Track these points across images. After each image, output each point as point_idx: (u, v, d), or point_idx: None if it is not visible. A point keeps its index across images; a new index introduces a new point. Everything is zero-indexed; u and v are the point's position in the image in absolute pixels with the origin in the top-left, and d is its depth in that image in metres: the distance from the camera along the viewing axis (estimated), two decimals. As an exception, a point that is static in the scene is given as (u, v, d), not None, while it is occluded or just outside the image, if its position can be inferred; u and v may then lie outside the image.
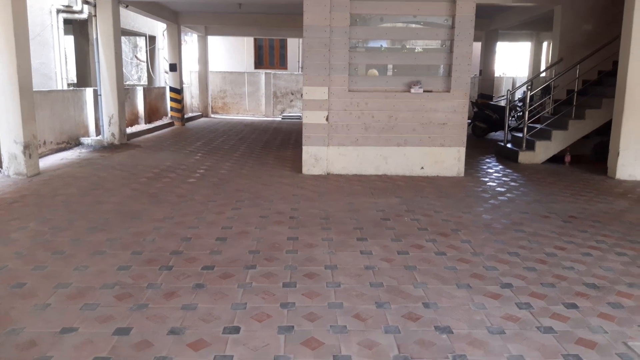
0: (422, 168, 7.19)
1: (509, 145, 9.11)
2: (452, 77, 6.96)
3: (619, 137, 7.04)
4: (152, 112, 13.56)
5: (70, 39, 11.99)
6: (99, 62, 9.42)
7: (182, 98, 14.05)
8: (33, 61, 6.79)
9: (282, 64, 19.42)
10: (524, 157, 8.31)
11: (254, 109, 18.48)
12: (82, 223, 4.71)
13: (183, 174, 7.12)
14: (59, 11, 10.25)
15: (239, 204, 5.52)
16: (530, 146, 8.34)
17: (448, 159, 7.17)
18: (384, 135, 7.12)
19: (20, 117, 6.49)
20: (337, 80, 6.98)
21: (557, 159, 8.36)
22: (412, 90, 7.00)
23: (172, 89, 13.89)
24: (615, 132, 7.14)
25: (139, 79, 19.52)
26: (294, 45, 19.03)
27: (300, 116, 17.56)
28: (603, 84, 8.52)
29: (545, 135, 8.33)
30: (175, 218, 4.95)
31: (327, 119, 7.06)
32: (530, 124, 8.59)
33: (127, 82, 16.58)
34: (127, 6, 9.93)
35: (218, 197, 5.84)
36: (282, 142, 11.08)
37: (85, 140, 9.47)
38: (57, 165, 7.56)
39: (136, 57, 19.04)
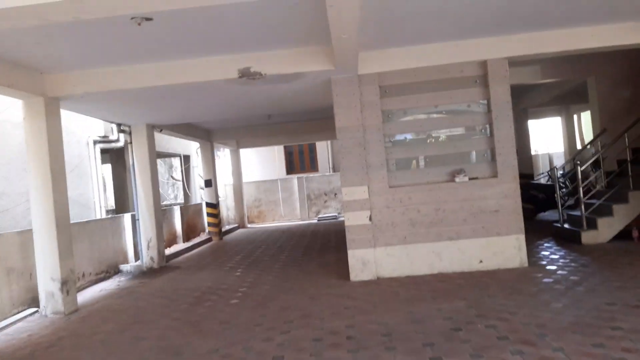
0: (481, 262, 6.58)
1: (566, 226, 8.45)
2: (497, 161, 6.58)
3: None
4: (190, 230, 13.51)
5: (107, 167, 12.37)
6: (135, 187, 9.51)
7: (219, 212, 14.04)
8: (71, 192, 6.82)
9: (313, 167, 19.61)
10: (588, 237, 7.61)
11: (289, 213, 18.37)
12: (120, 367, 4.26)
13: (225, 295, 6.69)
14: (95, 142, 10.63)
15: (288, 326, 4.99)
16: (592, 224, 7.67)
17: (507, 249, 6.56)
18: (434, 230, 6.64)
19: (57, 253, 6.35)
20: (376, 177, 6.70)
21: (622, 235, 7.62)
22: (457, 180, 6.62)
23: (208, 204, 13.95)
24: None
25: (175, 197, 19.95)
26: (322, 148, 19.32)
27: (335, 216, 17.28)
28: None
29: (605, 211, 7.68)
30: (221, 350, 4.44)
31: (370, 219, 6.67)
32: (585, 201, 7.98)
33: (164, 202, 16.88)
34: (161, 130, 10.24)
35: (264, 319, 5.33)
36: (322, 245, 10.66)
37: (124, 267, 9.28)
38: (96, 299, 7.27)
39: (172, 177, 19.60)
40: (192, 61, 6.39)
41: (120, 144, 11.01)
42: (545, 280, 5.88)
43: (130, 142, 9.54)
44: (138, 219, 9.53)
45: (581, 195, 7.76)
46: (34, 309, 6.57)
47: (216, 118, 10.63)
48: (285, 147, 19.45)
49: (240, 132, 14.32)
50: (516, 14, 5.69)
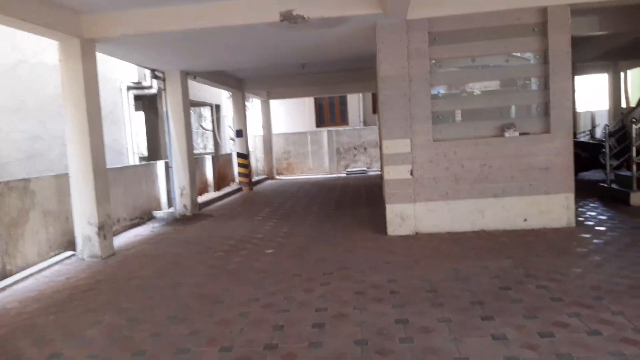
0: (526, 220, 6.32)
1: (614, 186, 8.05)
2: (551, 116, 6.19)
3: None
4: (221, 179, 13.51)
5: (140, 114, 12.31)
6: (169, 134, 9.41)
7: (249, 163, 13.95)
8: (105, 138, 6.73)
9: (344, 120, 19.24)
10: (637, 198, 7.23)
11: (318, 167, 18.21)
12: (161, 312, 4.24)
13: (260, 244, 6.64)
14: (129, 88, 10.52)
15: (327, 278, 4.89)
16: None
17: (555, 208, 6.27)
18: (478, 186, 6.37)
19: (94, 197, 6.34)
20: (420, 130, 6.39)
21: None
22: (507, 134, 6.27)
23: (239, 155, 13.85)
24: None
25: (204, 147, 19.95)
26: (354, 101, 18.88)
27: (364, 170, 17.04)
28: None
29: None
30: (262, 299, 4.38)
31: (411, 173, 6.43)
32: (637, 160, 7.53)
33: (194, 152, 16.90)
34: (195, 78, 10.02)
35: (302, 270, 5.25)
36: (353, 200, 10.50)
37: (157, 213, 9.33)
38: (131, 244, 7.32)
39: (201, 126, 19.54)
40: (232, 2, 6.07)
41: (154, 90, 10.90)
42: (596, 241, 5.61)
43: (164, 89, 9.37)
44: (171, 167, 9.49)
45: (634, 154, 7.31)
46: (71, 252, 6.64)
47: (251, 66, 10.30)
48: (315, 99, 19.08)
49: (273, 82, 13.98)
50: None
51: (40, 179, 6.42)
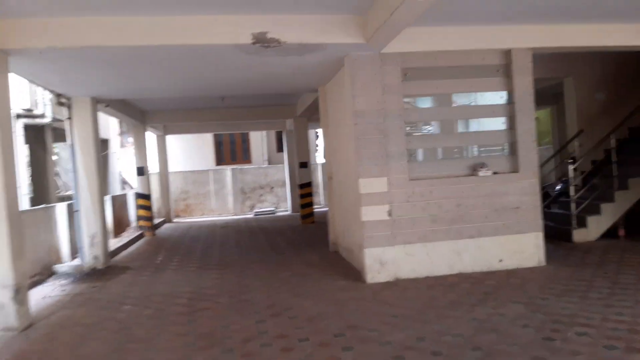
0: (501, 261, 6.24)
1: (551, 224, 8.39)
2: (518, 155, 6.28)
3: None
4: (118, 224, 11.78)
5: (23, 148, 10.30)
6: (75, 171, 7.86)
7: (151, 205, 12.44)
8: None
9: (245, 157, 18.46)
10: (579, 235, 7.66)
11: (220, 207, 17.04)
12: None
13: (221, 302, 5.62)
14: (19, 116, 8.73)
15: (344, 341, 4.16)
16: (582, 223, 7.74)
17: (527, 247, 6.30)
18: (455, 227, 6.16)
19: (9, 252, 4.85)
20: (396, 168, 6.06)
21: (608, 233, 7.78)
22: (481, 174, 6.21)
23: (139, 196, 12.28)
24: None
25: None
26: (256, 138, 18.24)
27: (273, 210, 16.32)
28: (624, 152, 8.27)
29: (593, 210, 7.77)
30: (288, 377, 3.51)
31: (390, 214, 6.02)
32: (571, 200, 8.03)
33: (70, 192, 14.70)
34: (106, 105, 8.61)
35: (303, 332, 4.43)
36: (287, 243, 9.77)
37: (60, 268, 7.64)
38: (46, 309, 5.75)
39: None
40: (195, 17, 5.24)
41: (46, 119, 9.22)
42: (578, 279, 5.65)
43: (70, 118, 7.86)
44: (77, 210, 7.90)
45: (572, 193, 7.79)
46: (-35, 328, 4.96)
47: (173, 95, 9.19)
48: (215, 136, 18.04)
49: (173, 116, 12.79)
50: (543, 3, 5.39)
51: None
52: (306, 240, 9.91)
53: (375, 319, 4.69)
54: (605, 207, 7.69)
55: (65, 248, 8.10)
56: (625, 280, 5.50)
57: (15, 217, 5.01)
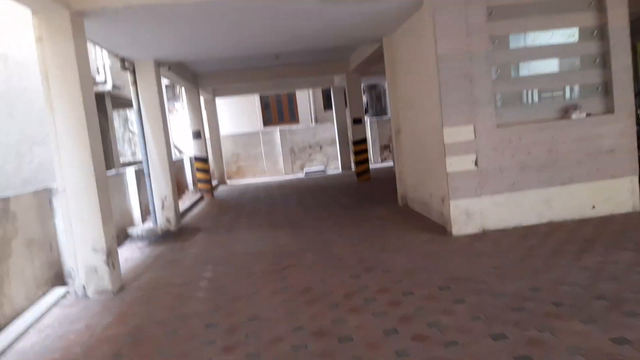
0: (594, 207, 5.91)
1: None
2: (614, 95, 5.82)
3: None
4: (178, 188, 11.91)
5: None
6: (144, 135, 7.86)
7: (209, 167, 12.50)
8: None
9: (293, 118, 18.28)
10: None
11: (271, 169, 17.06)
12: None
13: (308, 258, 5.56)
14: (82, 85, 8.74)
15: (448, 294, 4.00)
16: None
17: (622, 193, 5.93)
18: (545, 174, 5.83)
19: (99, 216, 4.88)
20: (483, 115, 5.72)
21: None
22: (574, 116, 5.80)
23: (197, 159, 12.35)
24: None
25: (133, 154, 17.84)
26: (303, 98, 17.97)
27: (323, 170, 16.19)
28: None
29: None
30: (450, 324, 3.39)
31: (476, 164, 5.73)
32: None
33: (124, 160, 14.89)
34: (169, 68, 8.51)
35: (400, 287, 4.31)
36: (352, 199, 9.64)
37: (134, 231, 7.76)
38: (132, 270, 5.85)
39: (130, 130, 17.49)
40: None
41: (107, 87, 9.21)
42: (683, 224, 5.30)
43: (135, 82, 7.80)
44: (148, 174, 7.96)
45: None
46: (63, 289, 5.08)
47: (238, 53, 8.81)
48: (261, 98, 17.88)
49: (227, 77, 12.60)
50: None
51: (20, 197, 4.81)
52: (369, 196, 9.75)
53: (476, 270, 4.52)
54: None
55: (136, 212, 8.22)
56: None
57: (102, 181, 5.02)
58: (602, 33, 5.86)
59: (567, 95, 6.09)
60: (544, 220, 5.89)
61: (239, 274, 5.23)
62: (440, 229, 6.14)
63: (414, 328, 3.45)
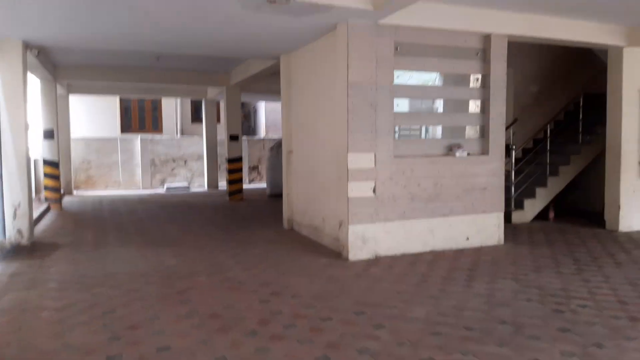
0: (468, 239, 6.54)
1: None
2: (490, 138, 6.58)
3: (618, 191, 7.47)
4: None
5: None
6: (-2, 129, 6.62)
7: (59, 174, 10.99)
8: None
9: (155, 127, 17.11)
10: (516, 216, 8.31)
11: (128, 181, 15.65)
12: None
13: (204, 281, 5.17)
14: None
15: (365, 319, 4.05)
16: (519, 205, 8.40)
17: (490, 227, 6.67)
18: (431, 205, 6.31)
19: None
20: (383, 145, 6.00)
21: (539, 215, 8.54)
22: (457, 154, 6.40)
23: (47, 163, 10.78)
24: (613, 186, 7.57)
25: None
26: (169, 107, 16.98)
27: (187, 187, 15.37)
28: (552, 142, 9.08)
29: (528, 193, 8.46)
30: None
31: (374, 191, 5.96)
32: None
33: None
34: (38, 53, 7.31)
35: (316, 313, 4.24)
36: (229, 220, 9.30)
37: (-27, 243, 6.42)
38: (-15, 291, 4.80)
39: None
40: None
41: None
42: (540, 256, 6.09)
43: (-8, 64, 6.55)
44: (0, 174, 6.68)
45: (513, 177, 8.37)
46: None
47: (120, 46, 7.90)
48: (122, 101, 16.44)
49: (92, 72, 11.29)
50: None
51: None
52: (248, 218, 9.51)
53: (382, 295, 4.65)
54: (539, 191, 8.42)
55: (-23, 220, 6.83)
56: (581, 257, 6.06)
57: None
58: (484, 82, 6.62)
59: (454, 134, 6.73)
60: (428, 248, 6.33)
61: (128, 298, 4.61)
62: (334, 253, 6.22)
63: (345, 355, 3.39)
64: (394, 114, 6.10)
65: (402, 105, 6.22)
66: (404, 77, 6.32)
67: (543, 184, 8.49)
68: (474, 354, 3.40)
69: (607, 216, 7.71)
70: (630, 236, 7.19)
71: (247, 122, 20.02)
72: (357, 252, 5.93)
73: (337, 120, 6.07)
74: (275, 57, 8.13)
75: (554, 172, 8.55)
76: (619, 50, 7.32)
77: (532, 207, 8.42)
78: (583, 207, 9.10)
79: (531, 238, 7.20)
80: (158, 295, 4.69)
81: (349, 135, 5.82)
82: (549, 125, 8.85)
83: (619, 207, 7.51)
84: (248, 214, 9.98)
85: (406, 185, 6.16)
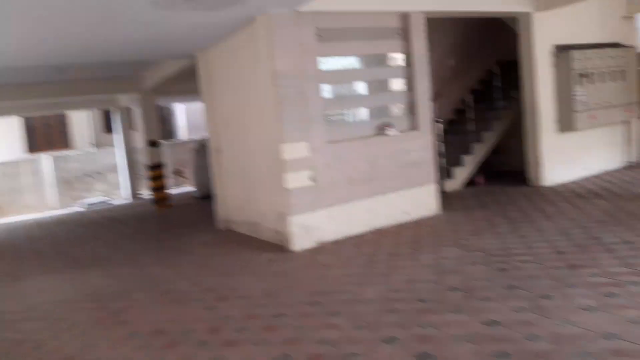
0: (407, 213, 6.59)
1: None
2: (418, 114, 6.64)
3: (538, 149, 7.86)
4: None
5: None
6: None
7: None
8: None
9: (65, 142, 15.92)
10: (448, 185, 8.50)
11: (40, 203, 14.43)
12: None
13: (141, 298, 4.81)
14: None
15: (320, 309, 3.93)
16: (450, 174, 8.60)
17: (426, 199, 6.76)
18: (369, 186, 6.27)
19: None
20: (316, 132, 5.86)
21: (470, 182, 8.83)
22: (390, 133, 6.40)
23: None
24: (532, 144, 7.94)
25: None
26: (80, 120, 15.85)
27: (106, 201, 14.43)
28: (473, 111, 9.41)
29: (456, 162, 8.70)
30: None
31: (312, 179, 5.83)
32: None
33: None
34: None
35: (268, 311, 4.06)
36: (160, 229, 8.82)
37: None
38: None
39: None
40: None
41: None
42: (477, 220, 6.24)
43: None
44: None
45: (443, 149, 8.52)
46: None
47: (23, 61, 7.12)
48: (26, 120, 15.13)
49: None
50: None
51: None
52: (180, 224, 9.05)
53: (333, 282, 4.55)
54: (466, 158, 8.68)
55: None
56: (513, 215, 6.30)
57: None
58: (408, 60, 6.64)
59: (384, 114, 6.74)
60: (370, 228, 6.30)
61: (57, 328, 4.18)
62: (277, 247, 6.02)
63: (305, 349, 3.25)
64: (324, 100, 5.99)
65: (325, 92, 6.10)
66: (328, 64, 6.20)
67: (469, 151, 8.76)
68: (432, 324, 3.39)
69: (531, 173, 8.09)
70: (554, 189, 7.58)
71: (165, 125, 19.23)
72: (301, 242, 5.78)
73: (267, 113, 5.86)
74: (191, 56, 7.73)
75: (478, 139, 8.85)
76: (528, 16, 7.65)
77: (462, 175, 8.66)
78: (508, 168, 9.53)
79: (465, 204, 7.40)
80: (90, 320, 4.30)
81: (281, 126, 5.63)
82: (469, 96, 9.13)
83: (539, 164, 7.90)
84: (179, 220, 9.52)
85: (343, 169, 6.08)
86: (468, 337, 3.15)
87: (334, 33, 6.07)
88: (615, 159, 8.83)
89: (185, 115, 19.99)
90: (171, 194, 12.38)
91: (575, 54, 7.85)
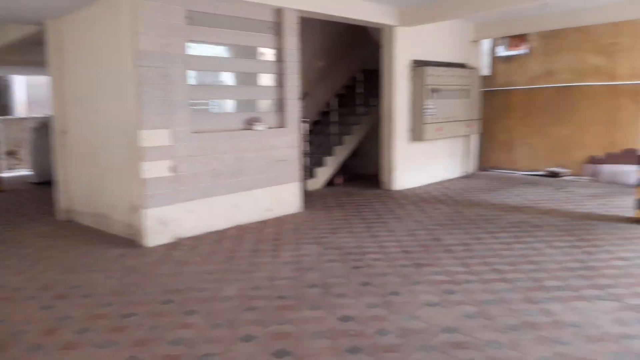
0: (270, 210, 6.60)
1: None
2: (286, 111, 6.68)
3: (390, 156, 8.45)
4: None
5: None
6: None
7: None
8: None
9: None
10: (311, 184, 8.73)
11: None
12: None
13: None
14: None
15: (174, 307, 3.74)
16: (312, 173, 8.84)
17: (289, 196, 6.84)
18: (234, 180, 6.14)
19: None
20: (179, 120, 5.56)
21: (330, 182, 9.18)
22: (258, 128, 6.32)
23: None
24: (386, 150, 8.51)
25: None
26: None
27: None
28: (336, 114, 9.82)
29: (318, 162, 8.98)
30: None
31: (173, 170, 5.52)
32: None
33: None
34: None
35: (115, 310, 3.74)
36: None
37: None
38: None
39: None
40: None
41: None
42: (335, 219, 6.50)
43: None
44: None
45: (308, 148, 8.71)
46: None
47: None
48: None
49: None
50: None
51: None
52: (10, 211, 7.90)
53: (190, 279, 4.35)
54: (328, 159, 9.00)
55: None
56: (368, 216, 6.65)
57: None
58: (279, 56, 6.63)
59: (252, 108, 6.64)
60: (232, 224, 6.19)
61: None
62: (128, 242, 5.59)
63: (156, 351, 3.05)
64: (190, 87, 5.70)
65: (192, 79, 5.84)
66: (197, 50, 5.92)
67: (331, 153, 9.09)
68: (290, 321, 3.42)
69: (384, 178, 8.66)
70: (403, 194, 8.22)
71: (0, 99, 16.80)
72: (157, 236, 5.44)
73: (126, 94, 5.39)
74: (38, 23, 6.81)
75: (340, 142, 9.23)
76: (391, 29, 8.16)
77: (323, 175, 8.95)
78: (364, 171, 10.11)
79: (325, 203, 7.65)
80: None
81: (141, 110, 5.23)
82: (333, 99, 9.46)
83: (392, 170, 8.50)
84: (11, 208, 8.32)
85: (207, 161, 5.86)
86: (324, 333, 3.24)
87: (205, 18, 5.83)
88: (456, 169, 9.88)
89: (26, 89, 17.69)
90: (3, 178, 10.84)
91: (429, 70, 8.60)
